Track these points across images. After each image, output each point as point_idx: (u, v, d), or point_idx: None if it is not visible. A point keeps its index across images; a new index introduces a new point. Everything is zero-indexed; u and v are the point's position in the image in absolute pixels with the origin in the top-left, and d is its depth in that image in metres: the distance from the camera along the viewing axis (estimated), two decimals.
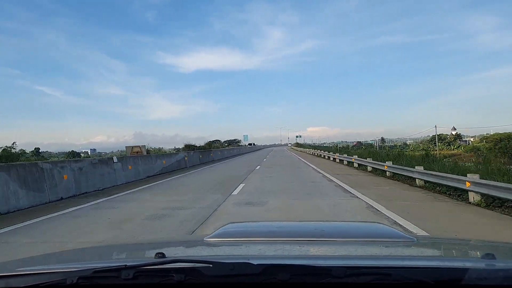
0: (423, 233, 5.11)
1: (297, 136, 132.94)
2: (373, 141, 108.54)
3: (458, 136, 78.95)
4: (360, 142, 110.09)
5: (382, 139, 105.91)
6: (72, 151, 67.06)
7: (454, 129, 79.31)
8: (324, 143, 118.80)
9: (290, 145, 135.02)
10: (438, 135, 76.23)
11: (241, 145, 74.04)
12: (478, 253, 1.48)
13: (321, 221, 4.35)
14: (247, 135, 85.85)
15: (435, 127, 68.55)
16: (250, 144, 77.48)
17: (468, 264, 1.04)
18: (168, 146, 35.29)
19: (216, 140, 76.68)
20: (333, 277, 0.96)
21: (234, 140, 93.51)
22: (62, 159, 26.71)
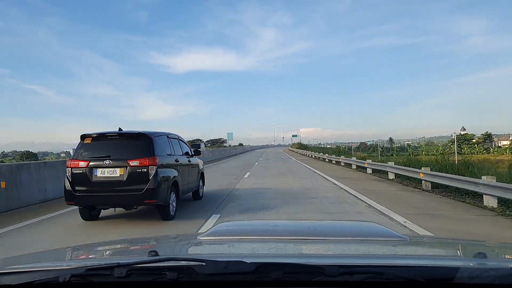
0: None
1: (293, 136, 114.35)
2: (372, 142, 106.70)
3: (488, 137, 70.16)
4: (364, 143, 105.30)
5: (390, 140, 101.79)
6: (27, 151, 62.04)
7: (464, 129, 75.02)
8: (320, 143, 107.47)
9: (289, 145, 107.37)
10: (462, 136, 68.13)
11: (226, 146, 61.73)
12: (470, 252, 1.48)
13: (314, 220, 4.35)
14: (231, 133, 69.47)
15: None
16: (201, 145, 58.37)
17: (459, 263, 1.05)
18: None
19: (197, 140, 67.21)
20: (326, 275, 0.97)
21: (219, 139, 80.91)
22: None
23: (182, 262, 1.04)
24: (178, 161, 7.02)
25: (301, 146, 69.50)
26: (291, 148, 79.84)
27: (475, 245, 1.66)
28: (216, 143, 77.66)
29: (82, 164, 5.99)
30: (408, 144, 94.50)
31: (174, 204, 6.57)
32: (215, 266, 0.99)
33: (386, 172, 13.90)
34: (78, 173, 5.99)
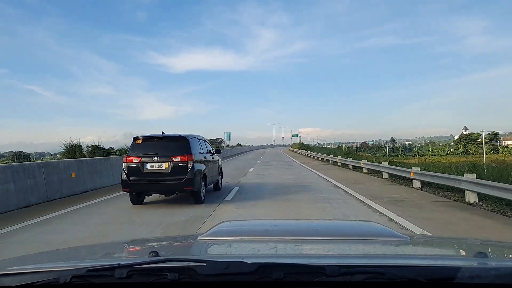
0: None
1: (293, 135, 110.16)
2: (372, 142, 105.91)
3: (495, 136, 68.15)
4: (365, 143, 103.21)
5: (393, 139, 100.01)
6: (20, 151, 59.33)
7: (466, 128, 73.10)
8: (320, 143, 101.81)
9: (289, 145, 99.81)
10: (467, 135, 67.27)
11: (224, 146, 60.10)
12: (470, 252, 1.48)
13: (315, 220, 4.34)
14: (229, 133, 66.47)
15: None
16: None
17: (460, 263, 1.05)
18: None
19: None
20: (326, 275, 0.96)
21: (216, 139, 75.71)
22: None
23: (183, 262, 1.04)
24: (206, 158, 8.74)
25: (303, 146, 61.60)
26: (291, 149, 74.27)
27: (476, 245, 1.65)
28: (213, 143, 72.61)
29: (136, 160, 7.63)
30: (409, 144, 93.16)
31: (204, 191, 8.17)
32: (216, 266, 0.99)
33: (449, 187, 8.86)
34: (132, 167, 7.60)
